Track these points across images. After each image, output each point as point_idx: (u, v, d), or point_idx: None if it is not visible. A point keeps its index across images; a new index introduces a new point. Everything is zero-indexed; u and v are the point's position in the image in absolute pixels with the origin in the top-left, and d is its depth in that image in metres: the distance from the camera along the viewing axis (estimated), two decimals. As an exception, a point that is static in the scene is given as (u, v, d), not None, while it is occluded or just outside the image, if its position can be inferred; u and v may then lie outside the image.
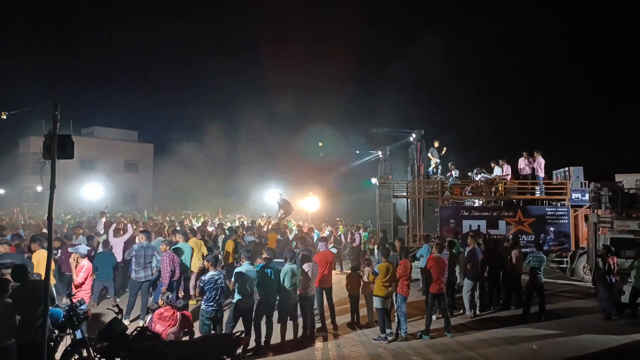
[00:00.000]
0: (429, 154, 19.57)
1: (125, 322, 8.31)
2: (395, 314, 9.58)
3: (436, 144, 19.70)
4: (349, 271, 10.98)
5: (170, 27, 56.36)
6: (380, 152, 20.48)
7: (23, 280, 6.35)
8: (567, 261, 16.40)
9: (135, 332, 6.32)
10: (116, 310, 6.68)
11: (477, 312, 11.32)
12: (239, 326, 8.29)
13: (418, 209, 18.23)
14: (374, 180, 19.53)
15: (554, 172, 19.20)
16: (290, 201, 18.91)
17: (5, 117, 7.07)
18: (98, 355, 6.31)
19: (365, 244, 18.24)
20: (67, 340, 6.89)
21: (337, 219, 21.99)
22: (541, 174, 17.62)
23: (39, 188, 37.56)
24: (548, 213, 17.06)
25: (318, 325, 9.87)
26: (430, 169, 19.47)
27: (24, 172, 40.79)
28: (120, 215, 20.01)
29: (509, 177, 18.25)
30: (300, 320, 9.30)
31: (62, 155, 6.03)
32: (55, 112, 5.96)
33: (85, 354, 6.66)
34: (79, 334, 6.84)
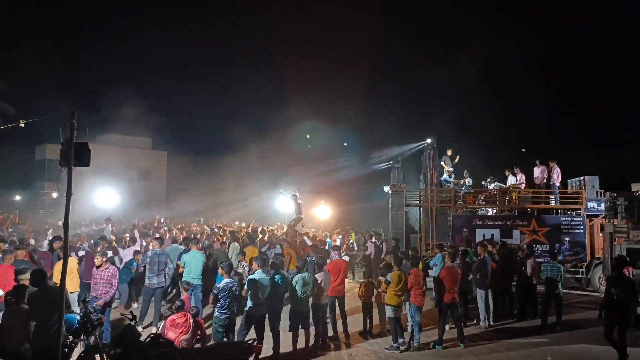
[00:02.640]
0: (442, 162, 19.49)
1: (138, 328, 8.34)
2: (408, 324, 9.52)
3: (449, 152, 19.62)
4: (362, 280, 10.94)
5: (184, 35, 56.96)
6: (392, 161, 20.46)
7: (40, 285, 6.41)
8: (582, 271, 16.19)
9: (149, 338, 6.35)
10: (130, 316, 6.72)
11: (491, 323, 11.20)
12: (251, 334, 8.29)
13: (431, 217, 18.14)
14: (386, 189, 19.48)
15: (569, 181, 19.01)
16: (303, 209, 18.94)
17: (23, 125, 7.19)
18: (111, 362, 6.35)
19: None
20: (80, 346, 6.94)
21: (348, 227, 21.94)
22: (558, 183, 17.48)
23: (55, 195, 38.13)
24: (563, 222, 16.87)
25: (330, 333, 9.86)
26: (444, 177, 19.39)
27: (40, 178, 41.34)
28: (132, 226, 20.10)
29: (523, 186, 18.11)
30: (312, 329, 9.28)
31: (79, 162, 6.09)
32: (72, 120, 6.05)
33: (98, 359, 6.70)
34: (92, 340, 6.89)
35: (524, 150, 19.52)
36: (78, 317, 6.91)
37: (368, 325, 10.47)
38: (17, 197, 43.41)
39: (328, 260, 10.30)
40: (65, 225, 6.10)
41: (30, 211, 34.93)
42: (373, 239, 17.47)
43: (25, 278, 7.39)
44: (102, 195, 20.85)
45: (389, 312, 9.32)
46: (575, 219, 16.92)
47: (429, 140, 19.80)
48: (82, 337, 6.89)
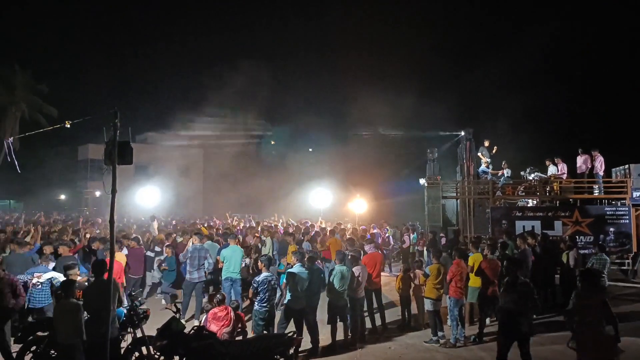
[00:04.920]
0: (479, 154, 19.15)
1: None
2: (448, 317, 9.43)
3: (486, 143, 19.25)
4: (398, 273, 10.90)
5: (218, 34, 57.71)
6: (429, 152, 20.23)
7: (99, 276, 6.65)
8: (628, 263, 15.67)
9: (193, 331, 6.53)
10: (174, 309, 6.92)
11: (534, 316, 10.94)
12: (291, 327, 8.39)
13: (468, 209, 17.89)
14: (422, 181, 19.29)
15: (613, 170, 18.41)
16: (339, 203, 19.00)
17: (69, 125, 7.46)
18: (157, 353, 6.56)
19: (414, 245, 18.06)
20: (128, 339, 7.19)
21: (382, 221, 21.82)
22: (601, 172, 16.95)
23: (97, 193, 39.38)
24: (607, 213, 16.36)
25: (368, 326, 9.88)
26: (481, 168, 19.05)
27: (83, 178, 42.70)
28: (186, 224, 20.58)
29: (565, 176, 17.62)
30: (350, 322, 9.31)
31: (122, 161, 6.30)
32: (115, 120, 6.25)
33: (145, 351, 6.93)
34: (139, 332, 7.13)
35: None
36: (125, 310, 7.16)
37: (406, 318, 10.43)
38: (62, 197, 45.09)
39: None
40: (111, 221, 6.31)
41: (74, 210, 36.23)
42: (410, 233, 17.34)
43: (74, 273, 7.70)
44: (144, 193, 21.38)
45: (428, 305, 9.26)
46: (620, 208, 16.39)
47: (465, 132, 19.51)
48: (128, 330, 7.14)
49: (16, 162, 12.25)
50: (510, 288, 7.08)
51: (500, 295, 7.33)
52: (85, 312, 6.45)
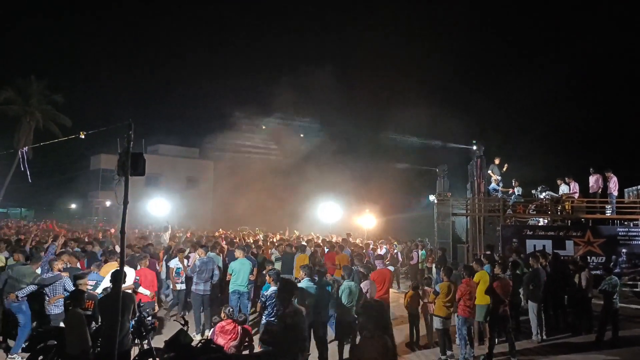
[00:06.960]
0: (490, 171, 19.06)
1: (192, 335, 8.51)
2: (457, 336, 9.32)
3: (497, 161, 19.16)
4: (406, 290, 10.82)
5: (228, 47, 58.27)
6: (439, 169, 20.18)
7: (115, 286, 6.64)
8: (640, 285, 15.44)
9: (200, 344, 6.50)
10: (182, 322, 6.90)
11: (544, 337, 10.80)
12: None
13: (478, 227, 17.75)
14: (432, 198, 19.22)
15: (626, 190, 18.23)
16: (348, 218, 18.98)
17: (84, 136, 7.55)
18: (165, 365, 6.53)
19: (423, 262, 17.93)
20: (135, 350, 7.17)
21: (389, 237, 21.71)
22: (615, 192, 16.78)
23: (108, 203, 39.65)
24: (620, 233, 16.16)
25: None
26: (492, 186, 18.94)
27: (94, 187, 43.01)
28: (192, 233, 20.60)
29: (576, 195, 17.47)
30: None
31: (135, 172, 6.35)
32: (129, 131, 6.31)
33: (152, 363, 6.90)
34: (146, 344, 7.10)
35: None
36: (132, 322, 7.14)
37: (415, 336, 10.31)
38: (73, 206, 45.48)
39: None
40: (122, 232, 6.33)
41: (84, 219, 36.47)
42: (418, 249, 17.21)
43: (84, 283, 7.70)
44: (154, 204, 21.51)
45: (437, 323, 9.16)
46: (632, 229, 16.20)
47: (475, 148, 19.44)
48: (136, 341, 7.13)
49: (28, 172, 12.34)
50: (364, 308, 5.75)
51: None
52: (100, 322, 6.46)
